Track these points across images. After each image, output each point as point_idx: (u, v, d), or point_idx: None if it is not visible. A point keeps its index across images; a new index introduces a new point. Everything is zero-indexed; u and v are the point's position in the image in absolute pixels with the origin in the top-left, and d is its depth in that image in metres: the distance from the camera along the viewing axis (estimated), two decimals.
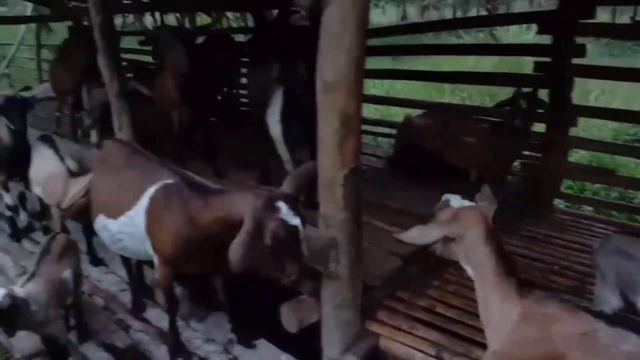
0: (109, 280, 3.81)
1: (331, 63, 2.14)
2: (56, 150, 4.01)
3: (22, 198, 4.70)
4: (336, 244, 2.41)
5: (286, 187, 2.28)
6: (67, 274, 3.05)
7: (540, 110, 4.01)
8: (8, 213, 4.56)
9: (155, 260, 2.72)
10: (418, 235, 2.04)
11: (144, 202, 2.65)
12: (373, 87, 9.91)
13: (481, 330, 2.04)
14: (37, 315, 2.69)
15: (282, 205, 2.10)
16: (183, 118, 4.02)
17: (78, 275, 3.20)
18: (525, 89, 3.94)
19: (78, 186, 3.50)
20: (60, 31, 16.96)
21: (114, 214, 2.80)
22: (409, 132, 4.40)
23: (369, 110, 7.90)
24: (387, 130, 6.14)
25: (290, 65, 3.26)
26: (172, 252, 2.58)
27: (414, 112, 5.12)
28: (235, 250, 2.04)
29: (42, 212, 4.47)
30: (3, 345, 3.61)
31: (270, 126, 3.31)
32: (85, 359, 3.11)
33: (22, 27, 11.63)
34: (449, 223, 1.96)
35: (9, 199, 4.46)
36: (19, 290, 2.61)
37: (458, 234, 1.94)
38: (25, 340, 3.30)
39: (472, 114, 4.89)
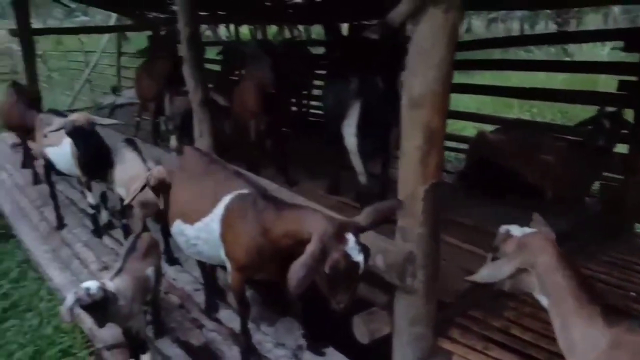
0: (184, 280, 3.97)
1: (419, 78, 2.17)
2: (139, 153, 4.23)
3: (103, 197, 4.98)
4: (413, 258, 2.42)
5: (362, 218, 2.24)
6: (150, 271, 3.21)
7: (624, 131, 3.85)
8: (91, 211, 4.86)
9: (228, 265, 2.81)
10: (490, 272, 1.96)
11: (219, 210, 2.74)
12: None
13: (560, 356, 1.98)
14: (123, 308, 2.85)
15: (350, 238, 2.09)
16: (260, 127, 4.16)
17: (159, 273, 3.36)
18: (608, 108, 3.80)
19: (137, 184, 3.61)
20: (135, 39, 17.98)
21: (191, 219, 2.92)
22: (482, 148, 4.34)
23: None
24: (453, 144, 6.07)
25: (369, 79, 3.32)
26: (245, 260, 2.67)
27: (480, 127, 5.05)
28: (296, 270, 2.03)
29: (122, 210, 4.73)
30: (86, 335, 3.86)
31: (345, 138, 3.37)
32: (161, 354, 3.25)
33: (105, 36, 12.36)
34: (518, 253, 1.90)
35: (91, 198, 4.74)
36: (110, 284, 2.77)
37: (530, 263, 1.87)
38: (106, 332, 3.51)
39: (548, 131, 4.75)
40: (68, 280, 4.30)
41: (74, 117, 4.15)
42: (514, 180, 4.09)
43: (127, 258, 3.15)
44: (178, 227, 3.07)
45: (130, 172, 4.10)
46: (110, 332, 3.50)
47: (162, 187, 3.31)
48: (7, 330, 4.13)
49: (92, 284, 2.67)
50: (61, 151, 4.55)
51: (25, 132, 6.00)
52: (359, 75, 3.36)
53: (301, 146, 5.12)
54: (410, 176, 2.32)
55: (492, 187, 4.19)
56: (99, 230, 4.88)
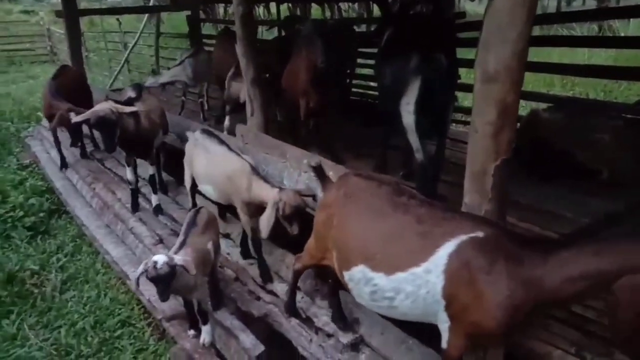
0: (237, 254, 4.07)
1: (494, 53, 2.15)
2: (227, 146, 3.85)
3: (152, 180, 5.02)
4: None
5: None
6: (210, 245, 3.31)
7: None
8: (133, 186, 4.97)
9: (445, 327, 2.28)
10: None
11: (439, 259, 2.17)
12: None
13: None
14: (188, 281, 2.95)
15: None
16: (310, 106, 4.19)
17: (217, 247, 3.46)
18: None
19: (269, 212, 3.29)
20: (171, 20, 18.07)
21: (386, 268, 2.32)
22: (535, 127, 4.27)
23: None
24: None
25: (430, 56, 3.29)
26: (497, 324, 2.08)
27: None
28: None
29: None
30: (143, 307, 4.01)
31: (403, 115, 3.37)
32: (221, 325, 3.36)
33: (144, 17, 12.47)
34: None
35: (130, 174, 4.86)
36: (176, 258, 2.87)
37: None
38: (165, 304, 3.63)
39: (604, 110, 4.64)
40: (123, 254, 4.46)
41: (97, 108, 4.21)
42: (568, 161, 4.02)
43: (188, 232, 3.25)
44: (361, 274, 2.41)
45: (224, 168, 3.67)
46: (169, 305, 3.63)
47: (296, 215, 3.18)
48: (67, 301, 4.31)
49: (160, 258, 2.77)
50: None
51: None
52: (419, 52, 3.33)
53: (345, 126, 5.13)
54: (481, 152, 2.32)
55: (545, 167, 4.13)
56: (135, 206, 4.99)
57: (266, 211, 3.25)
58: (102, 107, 4.18)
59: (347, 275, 2.50)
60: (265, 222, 3.24)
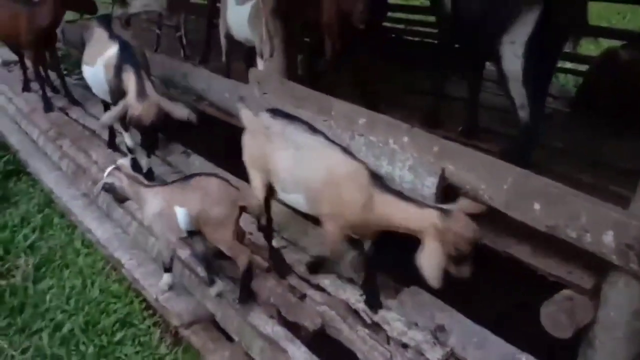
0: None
1: None
2: (325, 136, 2.54)
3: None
4: None
5: None
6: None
7: None
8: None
9: None
10: None
11: None
12: None
13: None
14: None
15: None
16: (337, 47, 3.32)
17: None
18: None
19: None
20: None
21: None
22: (613, 69, 3.55)
23: None
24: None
25: None
26: None
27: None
28: None
29: None
30: (144, 300, 3.21)
31: (505, 57, 2.53)
32: (258, 333, 2.63)
33: None
34: None
35: (129, 139, 3.92)
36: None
37: None
38: (179, 304, 2.89)
39: None
40: (112, 233, 3.60)
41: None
42: None
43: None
44: None
45: (326, 170, 2.40)
46: (185, 305, 2.88)
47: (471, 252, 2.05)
48: (44, 292, 3.46)
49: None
50: (95, 73, 3.67)
51: (24, 43, 5.01)
52: None
53: (384, 69, 4.24)
54: None
55: (621, 115, 3.46)
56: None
57: (426, 249, 2.03)
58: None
59: None
60: (434, 267, 2.00)
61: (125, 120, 3.55)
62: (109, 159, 4.22)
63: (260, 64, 3.89)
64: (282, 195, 2.70)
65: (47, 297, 3.40)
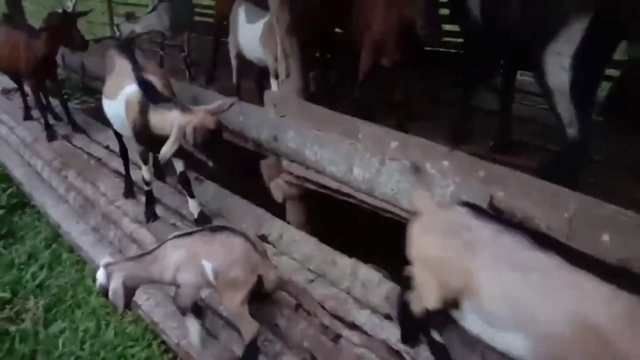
0: (291, 267, 3.06)
1: None
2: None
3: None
4: None
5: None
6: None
7: None
8: (146, 187, 3.70)
9: None
10: None
11: None
12: None
13: None
14: None
15: None
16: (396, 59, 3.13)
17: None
18: None
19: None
20: None
21: None
22: None
23: None
24: None
25: None
26: None
27: None
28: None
29: None
30: (162, 342, 3.00)
31: (549, 70, 2.33)
32: None
33: None
34: None
35: (147, 172, 3.59)
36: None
37: None
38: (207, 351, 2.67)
39: None
40: None
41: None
42: None
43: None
44: None
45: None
46: (211, 351, 2.67)
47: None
48: (57, 336, 3.25)
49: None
50: (116, 107, 3.32)
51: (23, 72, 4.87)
52: None
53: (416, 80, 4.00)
54: None
55: None
56: (150, 214, 3.70)
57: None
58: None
59: None
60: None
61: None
62: (117, 190, 4.03)
63: (274, 84, 3.69)
64: (483, 329, 1.82)
65: (60, 342, 3.19)
